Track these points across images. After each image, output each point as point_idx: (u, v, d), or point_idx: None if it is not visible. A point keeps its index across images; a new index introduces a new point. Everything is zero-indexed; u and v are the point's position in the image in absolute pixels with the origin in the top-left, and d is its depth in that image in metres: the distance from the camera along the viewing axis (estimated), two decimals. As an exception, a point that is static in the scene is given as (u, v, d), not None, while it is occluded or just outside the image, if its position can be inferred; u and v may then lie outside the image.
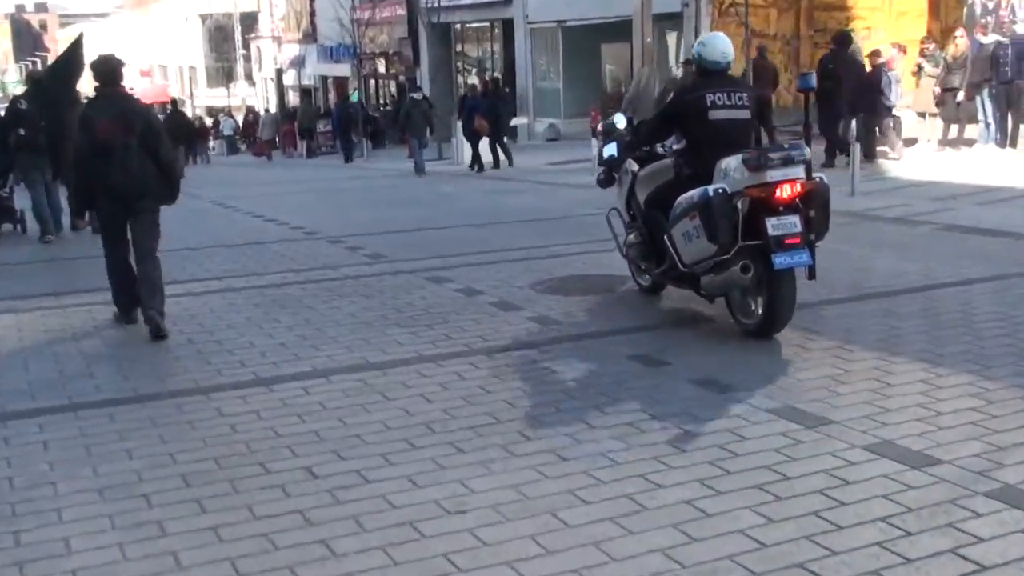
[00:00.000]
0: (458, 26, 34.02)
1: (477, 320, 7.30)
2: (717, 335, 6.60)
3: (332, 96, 43.66)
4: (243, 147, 43.37)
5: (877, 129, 16.17)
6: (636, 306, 7.63)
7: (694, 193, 6.42)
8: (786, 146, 6.41)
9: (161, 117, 25.49)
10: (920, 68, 17.15)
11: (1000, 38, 16.16)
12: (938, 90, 16.46)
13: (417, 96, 24.12)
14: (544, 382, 5.77)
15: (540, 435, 4.91)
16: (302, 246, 11.54)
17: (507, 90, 26.99)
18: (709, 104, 6.74)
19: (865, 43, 20.61)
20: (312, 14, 44.97)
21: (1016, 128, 15.95)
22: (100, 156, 7.34)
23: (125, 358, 6.82)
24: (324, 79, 46.27)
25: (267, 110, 46.67)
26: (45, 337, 7.51)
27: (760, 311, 6.36)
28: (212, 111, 56.39)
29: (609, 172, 7.94)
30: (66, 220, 13.38)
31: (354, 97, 36.09)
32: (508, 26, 31.13)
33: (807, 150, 6.33)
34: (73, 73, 13.15)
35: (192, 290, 8.97)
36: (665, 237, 6.77)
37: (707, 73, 6.94)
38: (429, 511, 4.11)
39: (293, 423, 5.28)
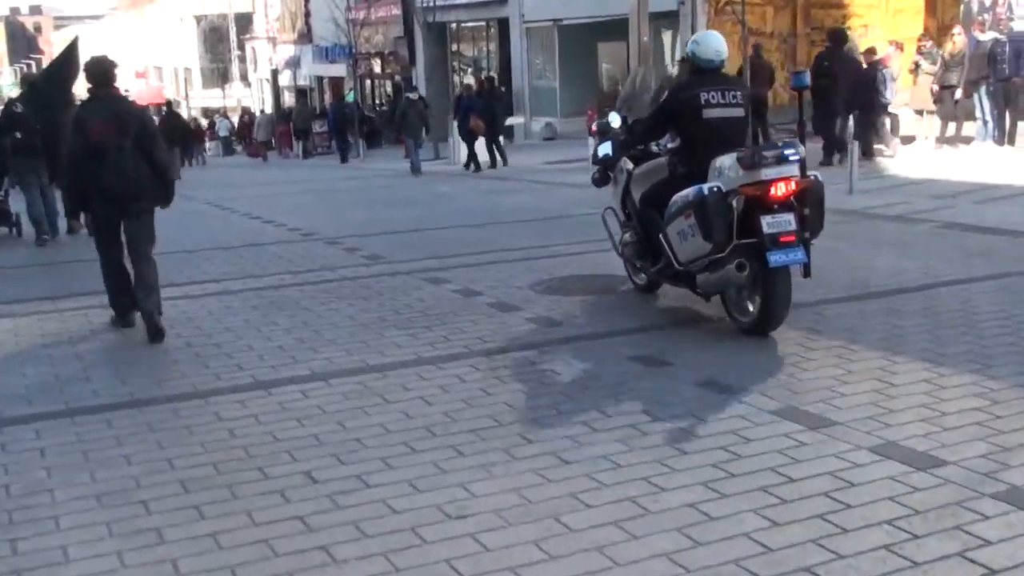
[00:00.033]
0: (454, 25, 33.96)
1: (476, 321, 7.26)
2: (718, 335, 6.56)
3: (328, 96, 43.58)
4: (239, 148, 43.30)
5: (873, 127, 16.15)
6: (636, 306, 7.59)
7: (689, 192, 6.43)
8: (780, 144, 6.40)
9: (156, 119, 25.53)
10: (917, 66, 17.14)
11: (998, 35, 16.14)
12: (936, 88, 16.43)
13: (413, 96, 24.08)
14: (544, 384, 5.74)
15: (541, 438, 4.87)
16: (299, 247, 11.50)
17: (503, 89, 26.94)
18: (703, 103, 6.75)
19: (862, 40, 20.59)
20: (307, 14, 44.92)
21: (1014, 125, 15.92)
22: (94, 158, 7.29)
23: (122, 362, 6.77)
24: (320, 79, 46.20)
25: (262, 111, 46.66)
26: (42, 341, 7.46)
27: (756, 309, 6.38)
28: (207, 112, 56.33)
29: (604, 171, 7.96)
30: (62, 223, 13.33)
31: (350, 97, 36.06)
32: (504, 25, 31.08)
33: (801, 148, 6.33)
34: (69, 76, 13.10)
35: (189, 292, 8.92)
36: (660, 236, 6.78)
37: (701, 71, 6.95)
38: (430, 516, 4.07)
39: (292, 427, 5.23)
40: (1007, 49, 15.48)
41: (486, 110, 21.78)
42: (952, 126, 16.68)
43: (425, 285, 8.64)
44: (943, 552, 3.52)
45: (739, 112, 6.82)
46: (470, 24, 33.66)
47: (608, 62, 27.90)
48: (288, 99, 47.02)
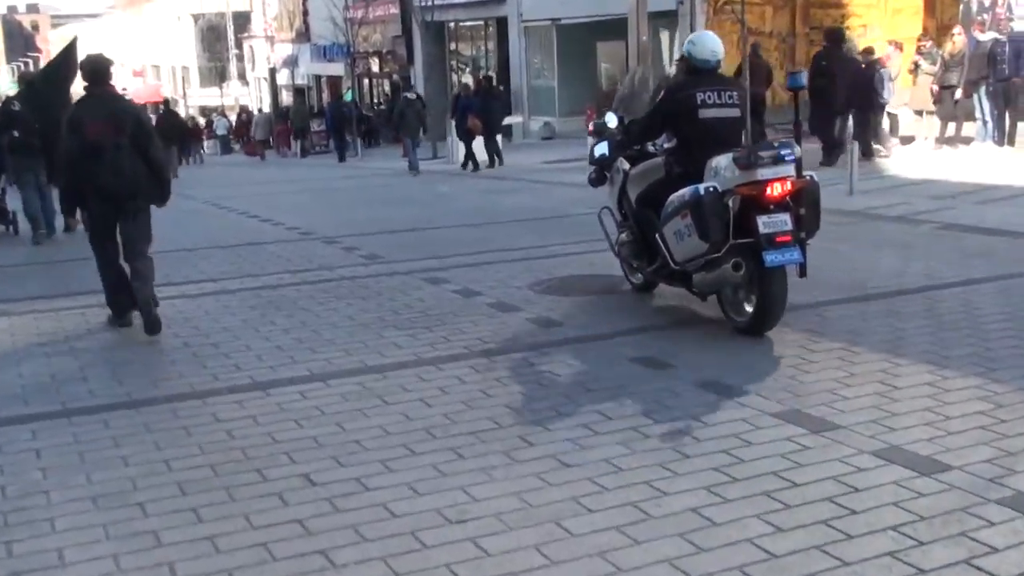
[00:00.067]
0: (452, 24, 33.92)
1: (476, 322, 7.21)
2: (719, 336, 6.52)
3: (326, 95, 43.54)
4: (237, 147, 43.25)
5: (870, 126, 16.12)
6: (636, 307, 7.55)
7: (685, 192, 6.45)
8: (776, 145, 6.41)
9: (154, 117, 25.49)
10: (917, 66, 17.10)
11: (998, 35, 16.11)
12: (935, 88, 16.40)
13: (411, 95, 24.06)
14: (545, 385, 5.69)
15: (542, 440, 4.83)
16: (297, 247, 11.45)
17: (501, 89, 26.90)
18: (699, 103, 6.77)
19: (861, 40, 20.57)
20: (305, 13, 44.87)
21: (1013, 126, 15.90)
22: (91, 157, 7.27)
23: (119, 362, 6.72)
24: (317, 78, 46.16)
25: (260, 110, 46.56)
26: (38, 340, 7.41)
27: (752, 309, 6.39)
28: (205, 111, 56.26)
29: (600, 171, 7.97)
30: (59, 222, 13.28)
31: (348, 96, 36.00)
32: (502, 24, 31.05)
33: (797, 149, 6.35)
34: (67, 77, 13.09)
35: (187, 292, 8.87)
36: (657, 235, 6.80)
37: (697, 71, 6.97)
38: (430, 520, 4.03)
39: (291, 429, 5.19)
40: (1007, 49, 15.46)
41: (484, 110, 21.74)
42: (952, 126, 16.66)
43: (424, 285, 8.59)
44: (949, 559, 3.48)
45: (735, 112, 6.84)
46: (468, 23, 33.63)
47: (607, 61, 27.88)
48: (286, 98, 46.92)
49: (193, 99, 62.25)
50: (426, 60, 31.80)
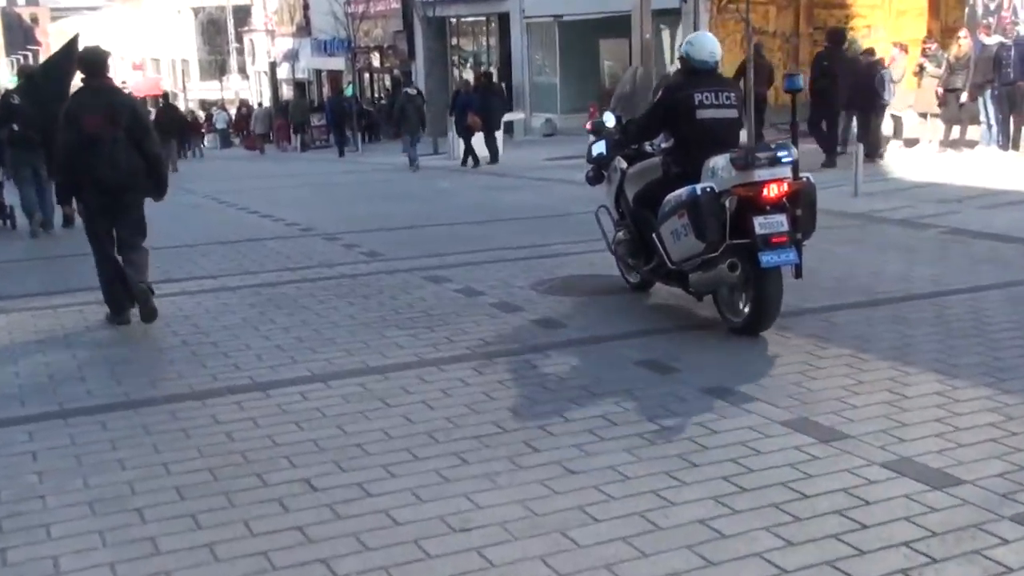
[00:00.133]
0: (453, 20, 33.81)
1: (478, 322, 7.14)
2: (724, 339, 6.45)
3: (326, 90, 43.43)
4: (236, 141, 43.14)
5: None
6: (640, 308, 7.48)
7: (682, 191, 6.47)
8: (773, 146, 6.41)
9: (153, 111, 25.41)
10: (922, 68, 17.02)
11: (1003, 39, 16.02)
12: (940, 91, 16.32)
13: (411, 91, 23.96)
14: (549, 389, 5.62)
15: (547, 446, 4.75)
16: (297, 243, 11.37)
17: (501, 85, 26.81)
18: (697, 103, 6.79)
19: (865, 41, 20.46)
20: (306, 7, 44.73)
21: (1018, 131, 15.79)
22: (88, 149, 7.24)
23: (118, 361, 6.64)
24: (318, 73, 46.04)
25: (260, 104, 46.41)
26: (35, 338, 7.34)
27: (747, 309, 6.40)
28: (205, 104, 56.05)
29: (598, 170, 7.99)
30: (57, 218, 13.19)
31: (348, 91, 35.90)
32: (504, 20, 30.94)
33: (794, 150, 6.36)
34: (67, 72, 12.94)
35: (186, 289, 8.80)
36: (654, 235, 6.84)
37: (695, 72, 6.98)
38: (434, 528, 3.96)
39: (291, 431, 5.11)
40: (1012, 53, 15.36)
41: (483, 106, 21.65)
42: (956, 129, 16.57)
43: (426, 284, 8.52)
44: (964, 577, 3.41)
45: (732, 113, 6.89)
46: (470, 19, 33.52)
47: (609, 59, 27.78)
48: (286, 92, 46.81)
49: (193, 93, 62.04)
50: (427, 55, 31.70)
